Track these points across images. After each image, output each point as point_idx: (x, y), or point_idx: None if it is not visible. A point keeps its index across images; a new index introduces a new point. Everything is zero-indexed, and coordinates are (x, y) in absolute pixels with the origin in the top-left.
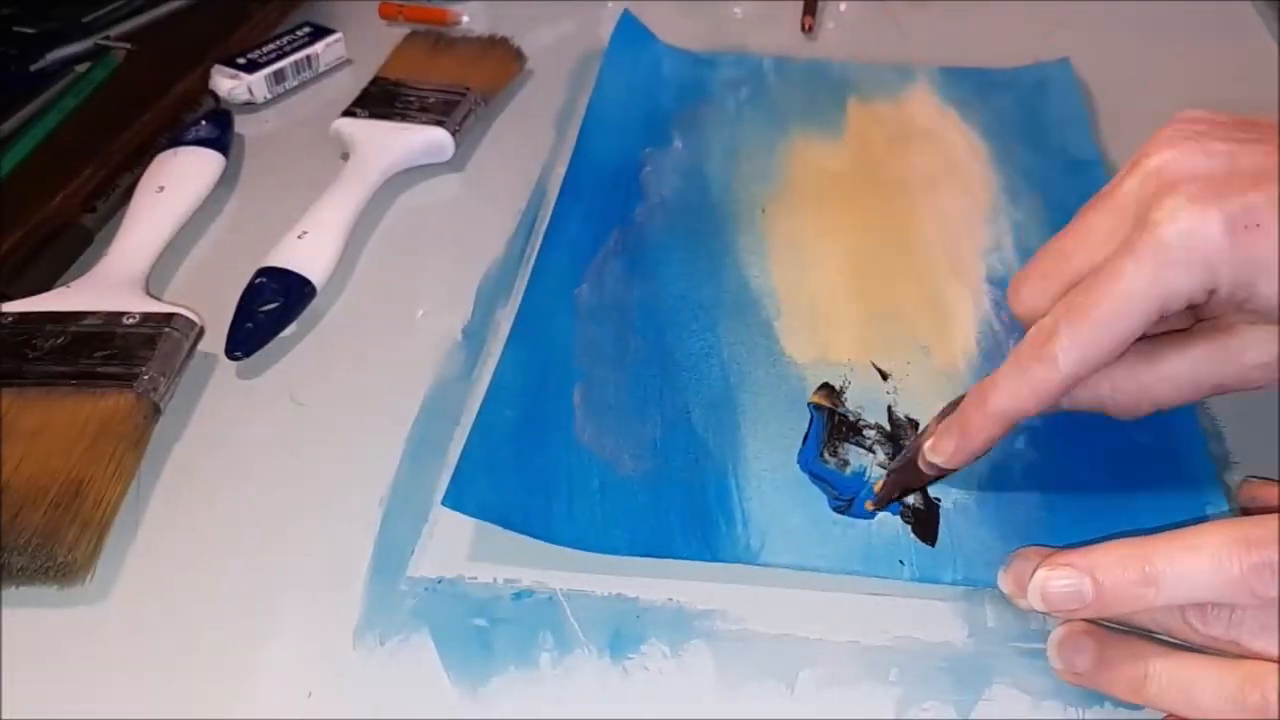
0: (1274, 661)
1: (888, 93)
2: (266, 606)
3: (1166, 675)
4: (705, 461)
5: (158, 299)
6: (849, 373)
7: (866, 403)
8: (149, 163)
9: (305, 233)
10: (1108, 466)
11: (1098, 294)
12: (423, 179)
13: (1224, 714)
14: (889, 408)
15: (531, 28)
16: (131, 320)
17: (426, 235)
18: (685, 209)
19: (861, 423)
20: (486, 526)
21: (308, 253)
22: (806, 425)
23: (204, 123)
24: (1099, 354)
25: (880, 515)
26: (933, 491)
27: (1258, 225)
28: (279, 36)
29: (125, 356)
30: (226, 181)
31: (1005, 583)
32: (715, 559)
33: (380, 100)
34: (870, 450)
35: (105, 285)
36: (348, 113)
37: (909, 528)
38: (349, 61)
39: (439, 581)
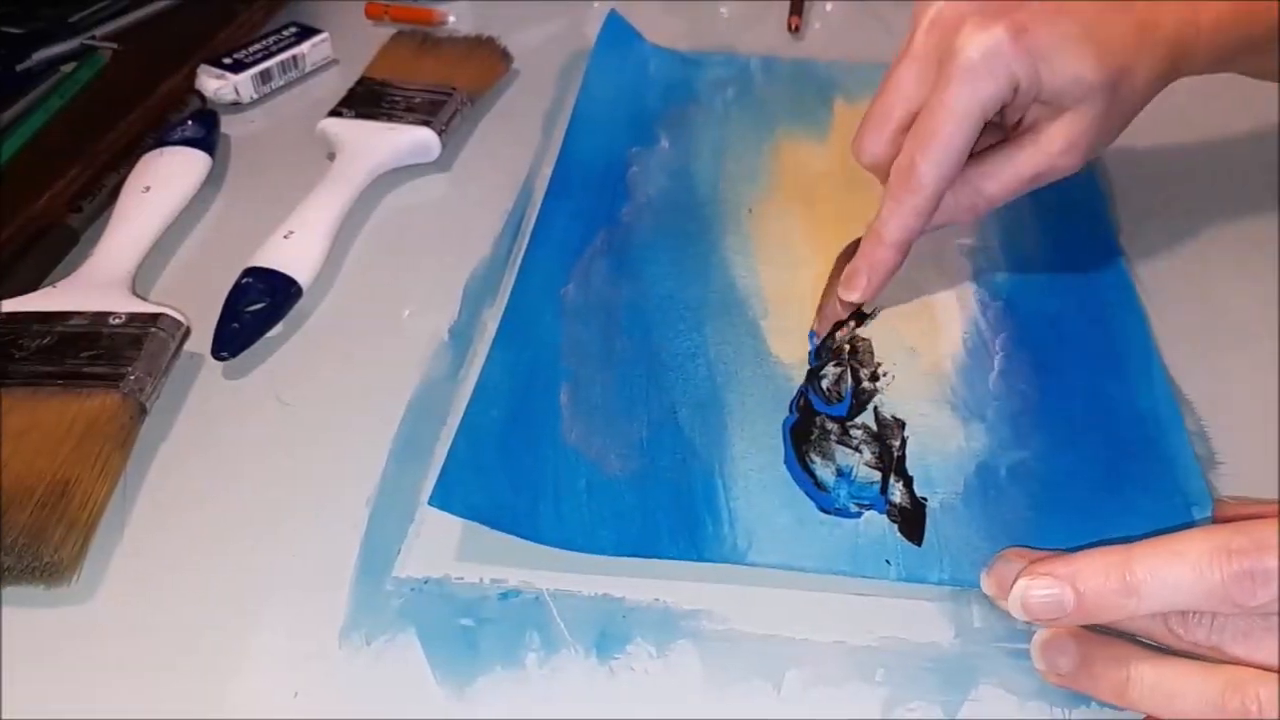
0: (1255, 667)
1: (874, 93)
2: (252, 606)
3: (1149, 679)
4: (692, 461)
5: (144, 299)
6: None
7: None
8: (135, 163)
9: (291, 233)
10: (1093, 466)
11: (934, 121)
12: (409, 179)
13: (1205, 718)
14: (875, 408)
15: (518, 28)
16: (118, 320)
17: (413, 235)
18: (672, 209)
19: (849, 423)
20: (473, 526)
21: (294, 253)
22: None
23: (190, 123)
24: (949, 167)
25: (867, 515)
26: (919, 491)
27: (1027, 30)
28: (265, 36)
29: (111, 356)
30: (213, 181)
31: (988, 585)
32: (702, 559)
33: (366, 100)
34: (857, 450)
35: (91, 285)
36: (334, 113)
37: (895, 527)
38: (335, 61)
39: (425, 581)
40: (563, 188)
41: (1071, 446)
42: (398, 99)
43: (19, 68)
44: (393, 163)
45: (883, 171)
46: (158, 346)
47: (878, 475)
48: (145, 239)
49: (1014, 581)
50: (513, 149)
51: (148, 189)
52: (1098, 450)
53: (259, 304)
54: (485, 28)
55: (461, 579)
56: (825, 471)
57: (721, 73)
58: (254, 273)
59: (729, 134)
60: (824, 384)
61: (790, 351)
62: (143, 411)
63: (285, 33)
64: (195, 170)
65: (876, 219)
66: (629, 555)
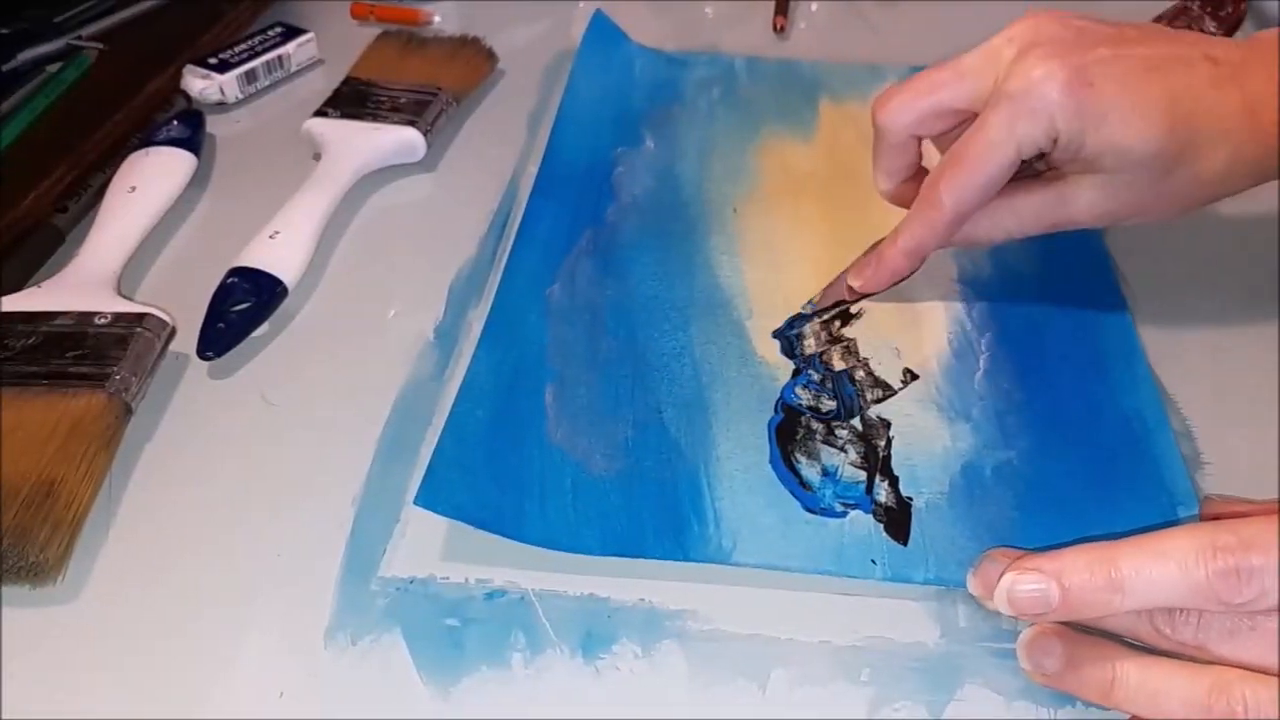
0: (1240, 667)
1: (859, 92)
2: (238, 606)
3: (1134, 679)
4: (677, 461)
5: (129, 299)
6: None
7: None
8: (121, 163)
9: (277, 233)
10: (1079, 466)
11: (968, 146)
12: (394, 179)
13: (1191, 718)
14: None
15: (503, 28)
16: (103, 320)
17: (398, 235)
18: (657, 209)
19: (835, 423)
20: (459, 526)
21: (279, 253)
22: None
23: (176, 123)
24: (972, 197)
25: (852, 514)
26: (905, 491)
27: (1091, 84)
28: (250, 36)
29: (97, 356)
30: (198, 181)
31: (974, 585)
32: (687, 559)
33: (352, 100)
34: (842, 450)
35: (77, 285)
36: (319, 113)
37: (881, 527)
38: (321, 61)
39: (411, 581)
40: (548, 188)
41: (1057, 446)
42: (383, 99)
43: (4, 68)
44: (378, 163)
45: (895, 143)
46: (143, 346)
47: (863, 475)
48: (131, 239)
49: (999, 578)
50: (498, 149)
51: (133, 189)
52: (1083, 450)
53: (244, 304)
54: (470, 28)
55: (447, 579)
56: (811, 471)
57: (707, 73)
58: (239, 273)
59: (714, 134)
60: (805, 390)
61: (775, 352)
62: (128, 411)
63: (270, 33)
64: (181, 170)
65: (901, 222)
66: (614, 555)
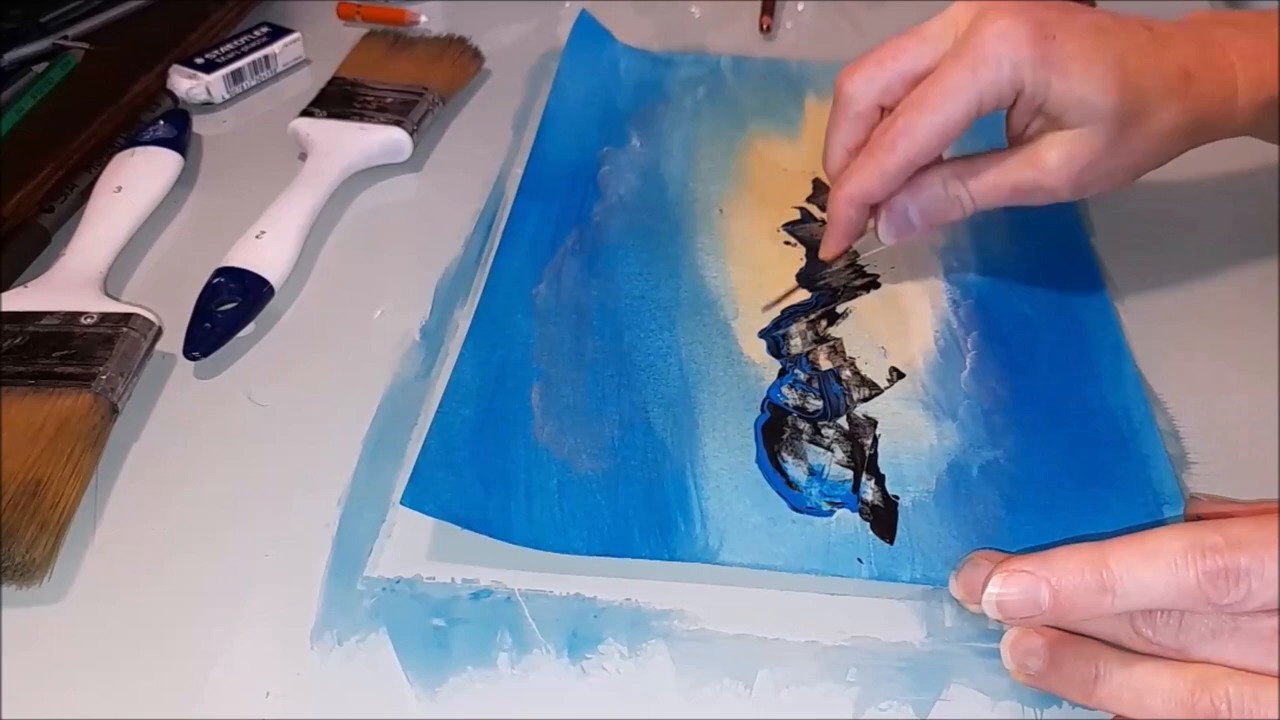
0: (1223, 666)
1: None
2: (224, 606)
3: (1117, 677)
4: (663, 461)
5: (116, 299)
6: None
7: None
8: (107, 162)
9: (263, 233)
10: (1065, 466)
11: (926, 92)
12: (381, 179)
13: (1173, 716)
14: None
15: (489, 27)
16: (89, 320)
17: (384, 235)
18: (643, 208)
19: (821, 422)
20: (445, 526)
21: (266, 253)
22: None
23: (162, 123)
24: (928, 139)
25: (838, 513)
26: (891, 490)
27: (1053, 37)
28: (237, 36)
29: (83, 356)
30: (184, 181)
31: (956, 588)
32: (674, 558)
33: (338, 100)
34: (829, 449)
35: (63, 285)
36: (306, 113)
37: (867, 526)
38: (307, 61)
39: (397, 581)
40: (534, 187)
41: (1043, 445)
42: (369, 99)
43: None
44: (364, 163)
45: (858, 112)
46: (129, 346)
47: (850, 474)
48: (117, 239)
49: (985, 582)
50: (484, 149)
51: (120, 189)
52: (1069, 449)
53: (231, 304)
54: (457, 28)
55: (433, 579)
56: (797, 470)
57: (692, 72)
58: (226, 272)
59: (700, 133)
60: (792, 389)
61: (762, 351)
62: (114, 411)
63: (257, 33)
64: (167, 170)
65: (844, 172)
66: (601, 555)
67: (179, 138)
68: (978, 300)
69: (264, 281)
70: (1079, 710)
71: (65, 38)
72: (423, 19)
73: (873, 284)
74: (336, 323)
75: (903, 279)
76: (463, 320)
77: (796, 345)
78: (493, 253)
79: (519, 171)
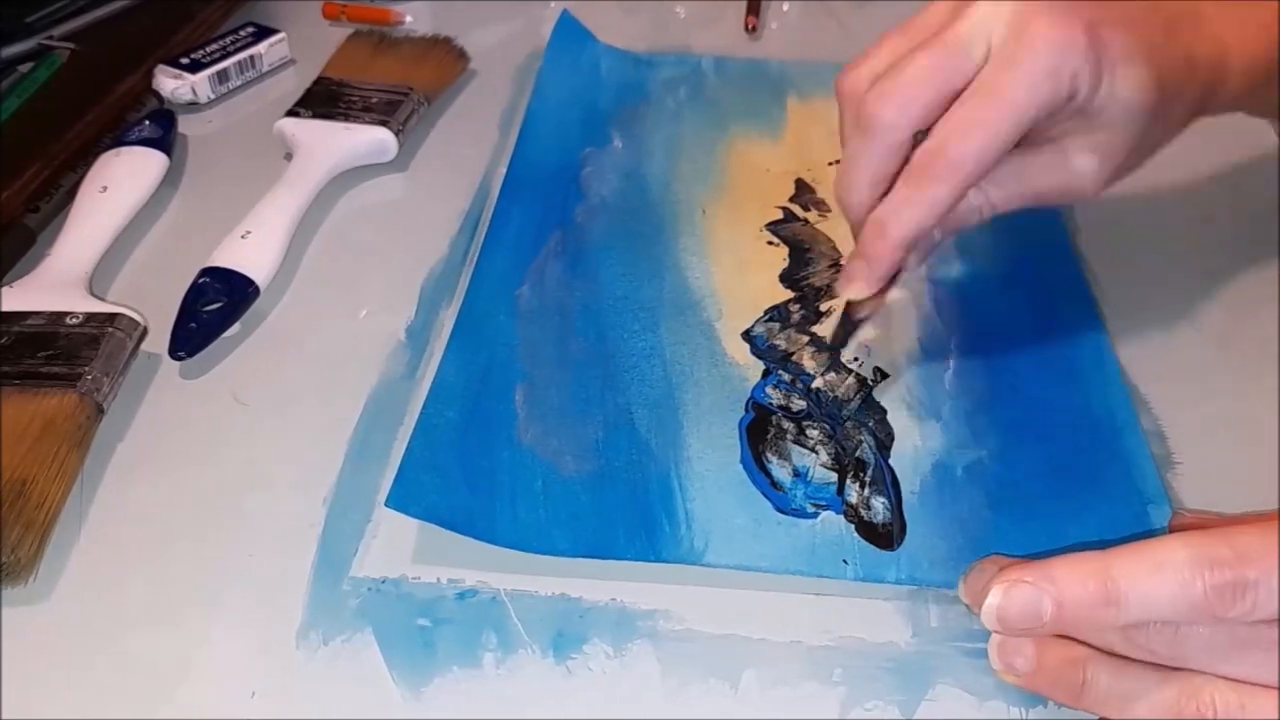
0: (1211, 674)
1: (827, 90)
2: (210, 606)
3: (1105, 682)
4: (648, 462)
5: (101, 299)
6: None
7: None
8: (92, 163)
9: (249, 233)
10: (1050, 466)
11: (984, 109)
12: (366, 179)
13: None
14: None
15: (475, 28)
16: (75, 320)
17: (370, 235)
18: (626, 210)
19: (806, 423)
20: (430, 526)
21: (251, 253)
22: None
23: (147, 123)
24: (984, 165)
25: (824, 515)
26: (871, 491)
27: (1101, 35)
28: (222, 36)
29: (68, 356)
30: (170, 181)
31: (965, 594)
32: (659, 560)
33: (323, 100)
34: (814, 450)
35: (48, 285)
36: (291, 113)
37: (853, 527)
38: (292, 61)
39: (383, 581)
40: (516, 189)
41: (1028, 446)
42: (354, 99)
43: None
44: (350, 162)
45: (895, 142)
46: (115, 346)
47: (834, 476)
48: (102, 239)
49: (985, 589)
50: (469, 149)
51: (105, 189)
52: (1054, 449)
53: (216, 304)
54: (442, 28)
55: (418, 579)
56: (782, 472)
57: (674, 72)
58: (211, 272)
59: (682, 133)
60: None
61: (746, 352)
62: (100, 411)
63: (242, 33)
64: (152, 170)
65: (882, 207)
66: (586, 557)
67: (164, 138)
68: (961, 300)
69: (249, 281)
70: (1065, 711)
71: (51, 37)
72: (408, 19)
73: None
74: (322, 323)
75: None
76: (448, 320)
77: (781, 345)
78: (478, 253)
79: (504, 171)
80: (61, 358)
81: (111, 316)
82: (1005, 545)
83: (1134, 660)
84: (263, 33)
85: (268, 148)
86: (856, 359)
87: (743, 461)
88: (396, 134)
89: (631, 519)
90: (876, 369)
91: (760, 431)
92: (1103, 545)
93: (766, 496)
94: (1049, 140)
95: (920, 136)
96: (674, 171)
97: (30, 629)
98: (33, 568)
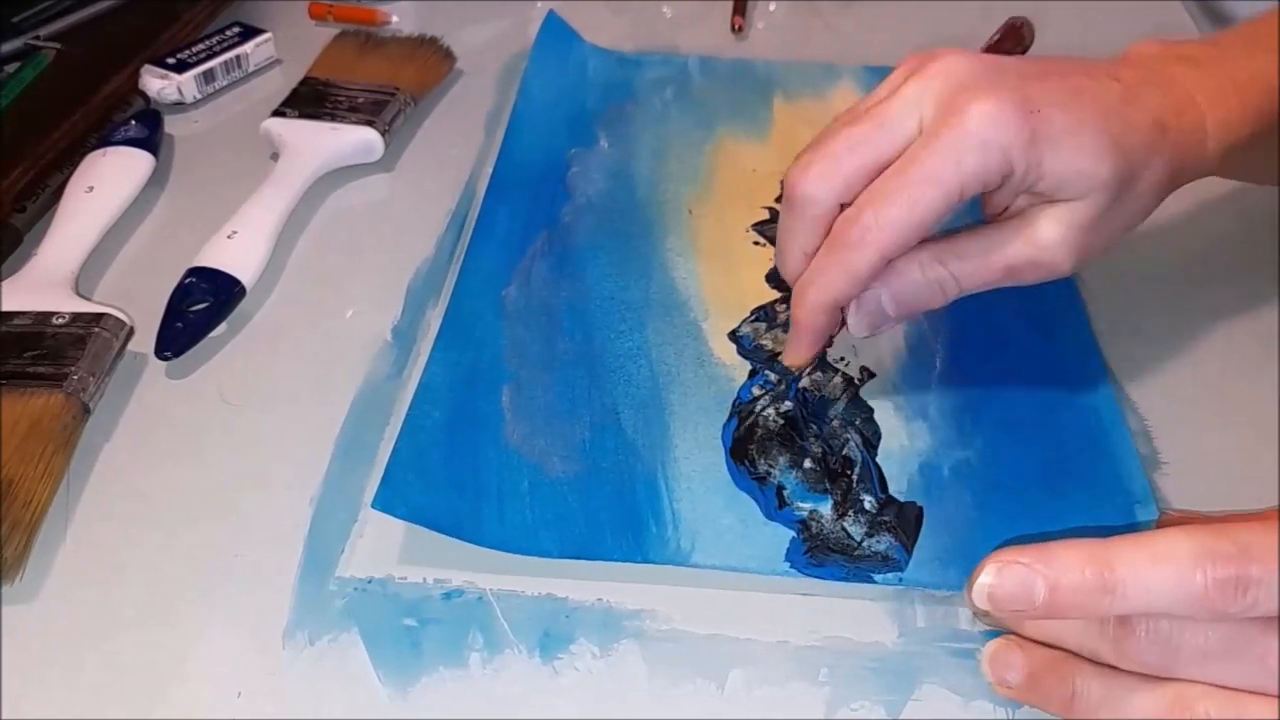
0: (1203, 684)
1: (814, 91)
2: (196, 606)
3: (1096, 693)
4: (635, 463)
5: (87, 299)
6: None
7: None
8: (78, 163)
9: (235, 233)
10: (1036, 465)
11: (903, 181)
12: (352, 179)
13: None
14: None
15: (461, 28)
16: (61, 320)
17: (356, 235)
18: (612, 210)
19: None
20: (417, 526)
21: (237, 253)
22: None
23: (133, 123)
24: (903, 236)
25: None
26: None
27: (1038, 111)
28: (208, 36)
29: (55, 356)
30: (156, 181)
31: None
32: (646, 561)
33: (310, 100)
34: (800, 452)
35: (34, 285)
36: (277, 113)
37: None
38: (278, 61)
39: (369, 581)
40: (503, 189)
41: (1014, 445)
42: (341, 99)
43: None
44: (336, 163)
45: (817, 214)
46: (101, 346)
47: (823, 479)
48: (89, 239)
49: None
50: (456, 149)
51: (91, 189)
52: (1041, 449)
53: (202, 304)
54: (428, 28)
55: (405, 579)
56: (768, 473)
57: (660, 72)
58: (197, 272)
59: (669, 133)
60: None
61: (731, 353)
62: (86, 411)
63: (229, 33)
64: (139, 170)
65: (804, 275)
66: (572, 558)
67: (151, 138)
68: None
69: (236, 281)
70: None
71: (37, 37)
72: (394, 19)
73: None
74: (308, 323)
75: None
76: (434, 320)
77: (767, 345)
78: (464, 253)
79: (491, 171)
80: (48, 358)
81: (98, 316)
82: (992, 545)
83: (1124, 672)
84: (249, 32)
85: (254, 148)
86: (843, 358)
87: (728, 463)
88: (383, 134)
89: (618, 520)
90: (863, 368)
91: (747, 433)
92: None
93: (753, 498)
94: (1011, 215)
95: None
96: (660, 171)
97: (16, 629)
98: (19, 568)
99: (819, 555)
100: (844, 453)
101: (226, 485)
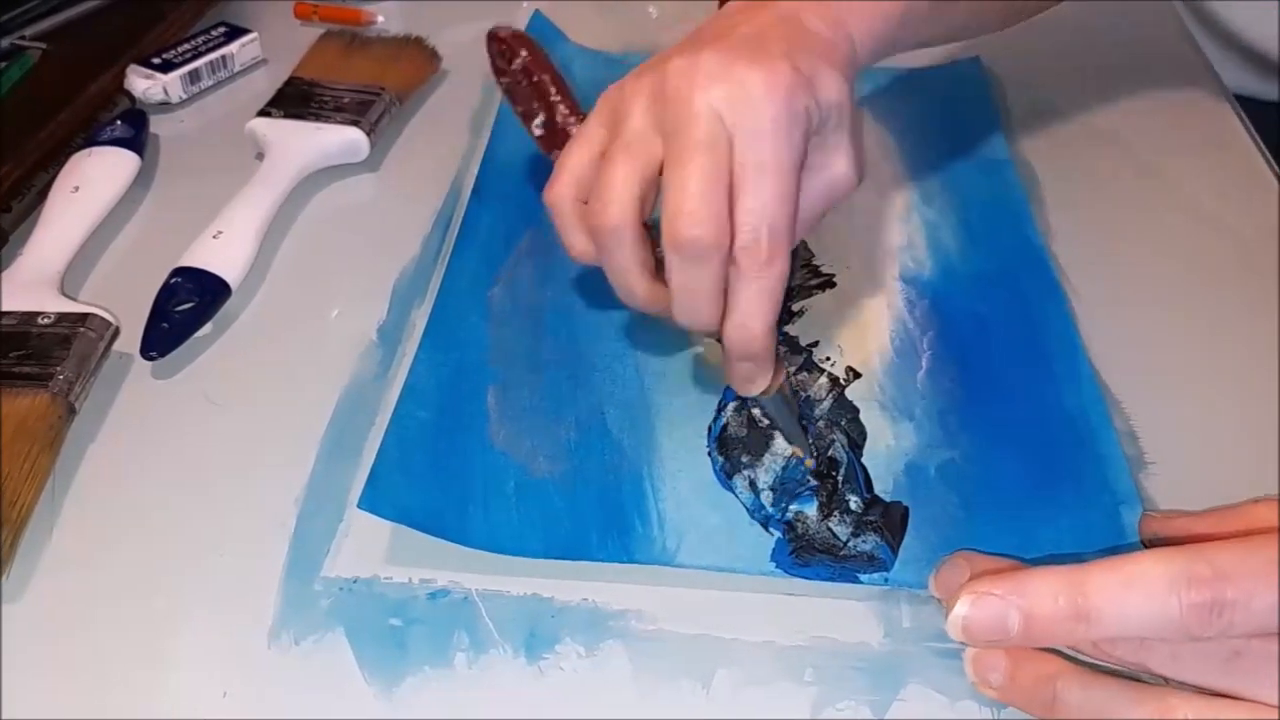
0: (1181, 687)
1: None
2: (181, 606)
3: (1077, 697)
4: (620, 463)
5: (73, 299)
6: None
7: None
8: (64, 163)
9: (220, 233)
10: (1023, 465)
11: (768, 185)
12: (338, 179)
13: None
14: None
15: (446, 28)
16: (46, 320)
17: (341, 235)
18: None
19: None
20: (402, 526)
21: (223, 253)
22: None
23: (119, 123)
24: (796, 225)
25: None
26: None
27: (797, 65)
28: (194, 36)
29: (40, 356)
30: (142, 181)
31: (935, 588)
32: (632, 561)
33: (295, 100)
34: (784, 453)
35: (20, 285)
36: (263, 113)
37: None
38: (264, 61)
39: (354, 581)
40: (487, 190)
41: (1000, 445)
42: (326, 99)
43: None
44: (321, 162)
45: (639, 236)
46: (86, 346)
47: (809, 481)
48: (74, 239)
49: (957, 591)
50: (441, 149)
51: (77, 189)
52: (1026, 449)
53: (188, 304)
54: (414, 28)
55: (390, 579)
56: (754, 473)
57: None
58: (183, 272)
59: None
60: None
61: (717, 353)
62: (71, 411)
63: (214, 33)
64: (124, 170)
65: (738, 312)
66: (558, 558)
67: (136, 138)
68: (933, 300)
69: (221, 281)
70: None
71: (23, 37)
72: (380, 19)
73: (829, 283)
74: (294, 323)
75: (859, 279)
76: (420, 320)
77: None
78: (449, 253)
79: (476, 172)
80: (33, 358)
81: (83, 316)
82: (978, 545)
83: (1105, 677)
84: (234, 33)
85: (239, 148)
86: (829, 358)
87: (710, 460)
88: (368, 134)
89: (604, 520)
90: (849, 368)
91: (733, 436)
92: (1075, 543)
93: (739, 499)
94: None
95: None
96: None
97: (2, 629)
98: (4, 567)
99: (804, 555)
100: (829, 453)
101: (211, 485)
